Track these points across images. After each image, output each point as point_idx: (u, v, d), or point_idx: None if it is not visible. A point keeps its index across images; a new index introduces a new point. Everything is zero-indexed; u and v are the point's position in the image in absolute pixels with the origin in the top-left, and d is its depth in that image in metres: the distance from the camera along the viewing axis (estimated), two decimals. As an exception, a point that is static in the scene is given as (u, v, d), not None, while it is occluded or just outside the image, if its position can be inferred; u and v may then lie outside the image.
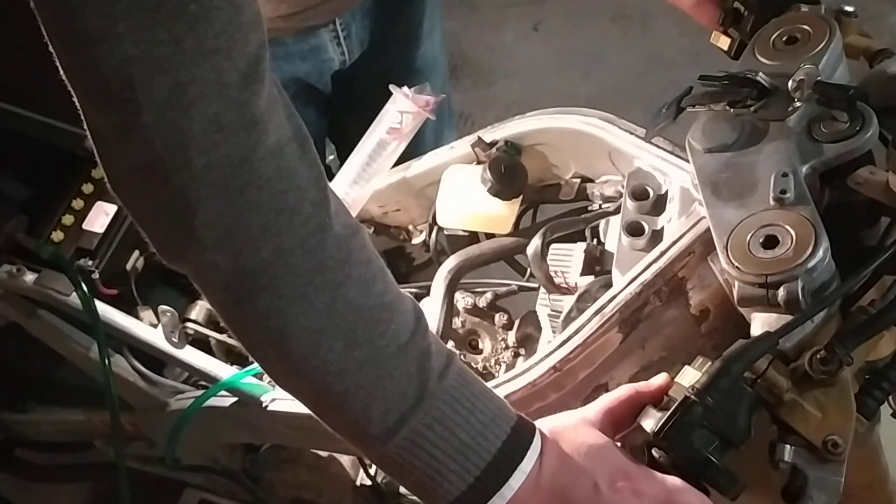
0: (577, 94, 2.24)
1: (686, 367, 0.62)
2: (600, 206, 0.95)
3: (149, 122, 0.52)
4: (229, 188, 0.54)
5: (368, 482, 1.11)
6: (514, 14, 2.42)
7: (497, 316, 1.02)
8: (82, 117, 0.55)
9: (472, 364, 1.01)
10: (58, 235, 1.03)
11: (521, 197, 0.98)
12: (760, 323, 0.62)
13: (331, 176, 1.59)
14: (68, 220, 1.04)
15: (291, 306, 0.56)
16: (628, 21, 2.36)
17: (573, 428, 0.63)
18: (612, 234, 0.91)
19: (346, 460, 1.12)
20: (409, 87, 1.03)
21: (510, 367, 1.00)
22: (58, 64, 0.54)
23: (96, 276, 1.01)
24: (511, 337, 1.01)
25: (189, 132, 0.52)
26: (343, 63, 1.19)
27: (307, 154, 0.58)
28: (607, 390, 0.77)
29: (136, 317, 1.04)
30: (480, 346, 1.03)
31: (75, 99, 0.55)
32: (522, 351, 1.01)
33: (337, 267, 0.57)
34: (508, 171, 0.96)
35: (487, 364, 1.02)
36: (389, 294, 0.60)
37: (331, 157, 1.63)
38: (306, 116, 1.36)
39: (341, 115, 1.32)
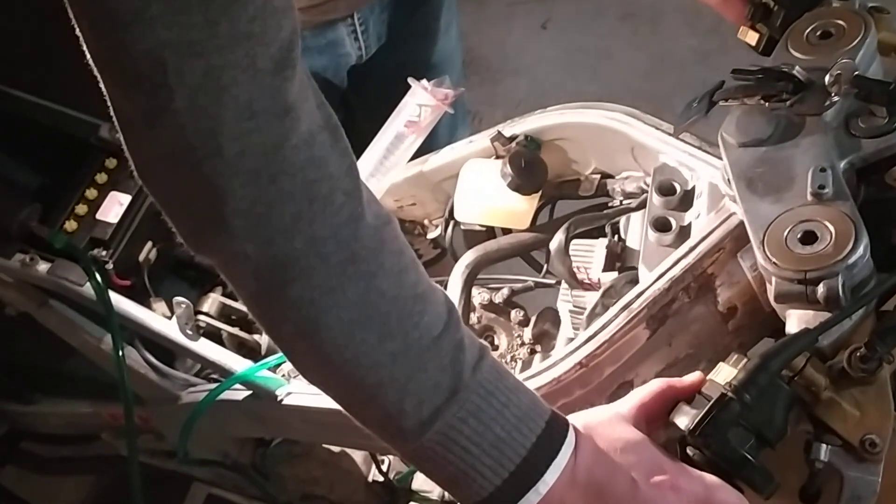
0: (585, 92, 2.23)
1: (721, 363, 0.61)
2: (621, 202, 0.94)
3: (180, 108, 0.51)
4: (262, 176, 0.53)
5: (381, 478, 1.10)
6: (523, 12, 2.41)
7: (513, 312, 1.01)
8: (108, 103, 0.54)
9: (489, 360, 1.00)
10: (71, 225, 1.01)
11: (539, 192, 0.97)
12: (796, 320, 0.61)
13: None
14: (82, 209, 1.02)
15: (324, 297, 0.55)
16: (637, 19, 2.35)
17: (608, 423, 0.62)
18: (633, 231, 0.91)
19: (358, 456, 1.11)
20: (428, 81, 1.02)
21: (526, 364, 1.00)
22: (84, 48, 0.53)
23: (110, 266, 1.00)
24: (527, 333, 1.00)
25: (221, 118, 0.51)
26: (360, 58, 1.18)
27: (339, 143, 0.57)
28: (632, 387, 0.76)
29: (149, 308, 1.03)
30: (496, 342, 1.02)
31: (102, 84, 0.54)
32: (538, 348, 1.00)
33: (370, 257, 0.56)
34: (528, 165, 0.95)
35: (503, 360, 1.01)
36: (422, 285, 0.59)
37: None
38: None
39: (354, 110, 1.31)
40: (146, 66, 0.50)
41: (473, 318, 1.01)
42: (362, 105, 1.30)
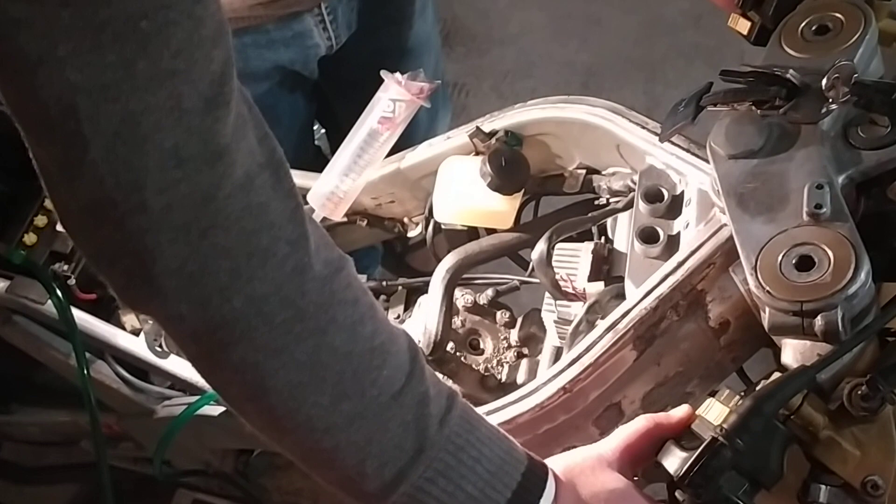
0: (575, 61, 2.16)
1: (711, 399, 0.57)
2: (608, 200, 0.89)
3: (97, 159, 0.45)
4: (192, 231, 0.48)
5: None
6: (508, -23, 2.32)
7: (499, 314, 0.97)
8: (28, 149, 0.49)
9: (473, 366, 0.96)
10: (30, 238, 0.96)
11: (522, 191, 0.92)
12: (792, 350, 0.57)
13: (321, 155, 1.53)
14: (41, 221, 0.97)
15: (269, 359, 0.51)
16: (626, -18, 2.27)
17: (590, 470, 0.58)
18: (621, 232, 0.86)
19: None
20: (402, 72, 0.97)
21: (513, 368, 0.96)
22: None
23: (72, 281, 0.95)
24: (514, 335, 0.97)
25: (144, 169, 0.46)
26: (330, 48, 1.12)
27: (282, 183, 0.51)
28: (620, 409, 0.72)
29: (118, 321, 0.99)
30: (481, 346, 0.98)
31: (18, 127, 0.48)
32: (526, 350, 0.96)
33: (319, 312, 0.51)
34: (509, 164, 0.90)
35: (489, 365, 0.97)
36: (380, 335, 0.54)
37: (322, 132, 1.56)
38: (292, 104, 1.28)
39: (330, 99, 1.25)
40: (57, 113, 0.44)
41: (457, 321, 0.97)
42: (337, 94, 1.24)
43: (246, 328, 0.50)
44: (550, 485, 0.56)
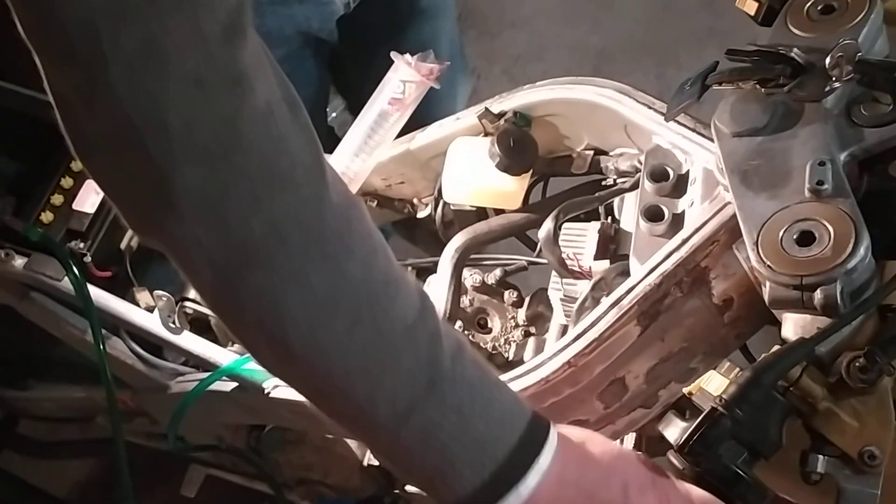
0: (587, 44, 2.16)
1: (712, 371, 0.58)
2: (615, 180, 0.90)
3: (117, 80, 0.46)
4: (213, 152, 0.48)
5: (376, 462, 1.08)
6: (520, -41, 2.32)
7: (507, 293, 0.99)
8: (44, 80, 0.49)
9: (481, 344, 0.97)
10: (47, 216, 0.98)
11: (530, 172, 0.93)
12: (792, 324, 0.58)
13: (333, 135, 1.54)
14: (57, 199, 0.99)
15: (287, 283, 0.51)
16: (639, -35, 2.26)
17: (601, 437, 0.59)
18: (628, 212, 0.87)
19: (352, 440, 1.09)
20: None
21: (521, 346, 0.97)
22: (14, 18, 0.47)
23: (88, 259, 0.97)
24: (521, 315, 0.98)
25: (164, 90, 0.47)
26: (347, 6, 1.13)
27: (299, 118, 0.52)
28: (624, 384, 0.73)
29: (132, 298, 1.00)
30: (489, 325, 1.00)
31: (36, 59, 0.49)
32: (533, 329, 0.98)
33: (336, 239, 0.52)
34: (518, 145, 0.91)
35: (497, 344, 0.98)
36: (393, 270, 0.55)
37: (333, 115, 1.56)
38: (310, 70, 1.28)
39: (347, 67, 1.26)
40: (78, 35, 0.45)
41: (465, 300, 0.98)
42: (353, 58, 1.24)
43: (264, 251, 0.50)
44: (553, 435, 0.56)
